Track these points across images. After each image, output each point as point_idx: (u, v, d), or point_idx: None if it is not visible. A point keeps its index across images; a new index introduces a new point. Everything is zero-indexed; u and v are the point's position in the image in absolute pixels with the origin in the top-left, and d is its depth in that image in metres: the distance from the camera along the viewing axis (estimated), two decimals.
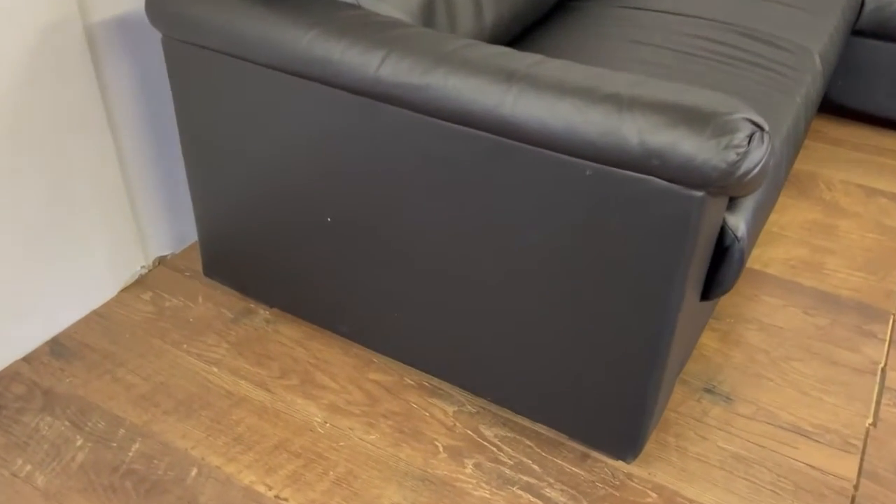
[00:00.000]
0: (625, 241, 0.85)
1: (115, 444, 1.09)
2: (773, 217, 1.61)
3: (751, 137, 0.75)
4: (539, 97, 0.81)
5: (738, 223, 0.93)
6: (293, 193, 1.10)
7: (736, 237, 0.93)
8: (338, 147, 1.00)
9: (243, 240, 1.22)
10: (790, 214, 1.61)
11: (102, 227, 1.28)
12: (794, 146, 1.16)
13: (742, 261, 0.95)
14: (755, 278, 1.44)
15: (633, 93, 0.79)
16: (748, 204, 0.96)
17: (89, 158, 1.22)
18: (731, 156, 0.74)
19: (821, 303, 1.38)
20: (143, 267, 1.39)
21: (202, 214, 1.24)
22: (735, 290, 1.41)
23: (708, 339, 1.30)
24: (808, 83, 1.24)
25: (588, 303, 0.92)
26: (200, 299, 1.34)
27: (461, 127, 0.88)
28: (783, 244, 1.53)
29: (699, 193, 0.78)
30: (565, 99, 0.80)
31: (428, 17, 1.09)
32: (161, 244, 1.41)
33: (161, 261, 1.42)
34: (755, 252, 1.50)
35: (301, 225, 1.12)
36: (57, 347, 1.24)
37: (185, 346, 1.25)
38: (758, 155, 0.76)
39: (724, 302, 1.38)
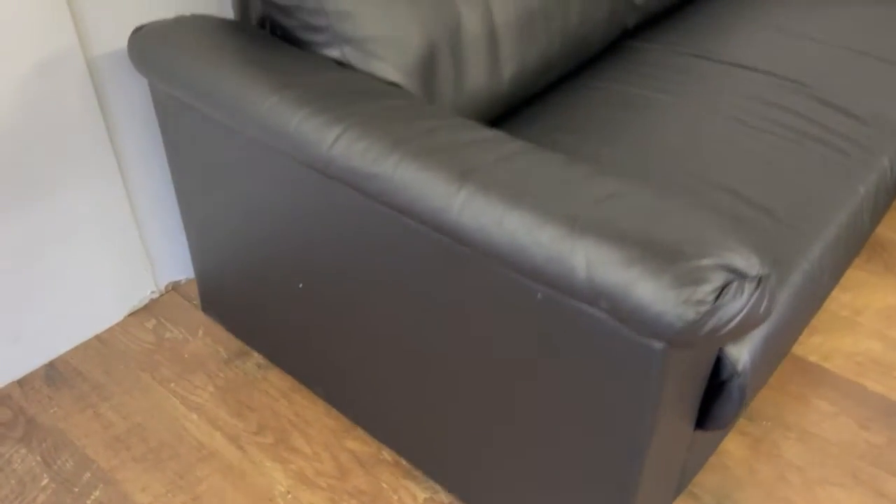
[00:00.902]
0: (580, 375, 0.73)
1: (76, 490, 1.08)
2: (845, 297, 1.40)
3: (723, 289, 0.61)
4: (487, 207, 0.70)
5: (741, 354, 0.79)
6: (269, 252, 1.03)
7: (736, 371, 0.79)
8: (301, 217, 0.93)
9: (233, 284, 1.17)
10: (868, 295, 1.40)
11: (110, 253, 1.27)
12: (850, 245, 0.98)
13: (743, 397, 0.80)
14: (809, 373, 1.25)
15: (592, 215, 0.67)
16: (757, 332, 0.80)
17: (95, 187, 1.20)
18: (690, 313, 0.60)
19: (883, 415, 1.19)
20: (153, 292, 1.37)
21: (196, 252, 1.20)
22: (779, 386, 1.23)
23: (734, 445, 1.14)
24: (883, 168, 1.04)
25: (553, 423, 0.80)
26: (200, 333, 1.31)
27: (412, 222, 0.78)
28: (853, 333, 1.32)
29: (659, 345, 0.65)
30: (515, 213, 0.68)
31: (428, 73, 0.99)
32: (174, 269, 1.39)
33: (174, 286, 1.40)
34: (815, 340, 1.31)
35: (278, 283, 1.06)
36: (52, 372, 1.25)
37: (172, 384, 1.23)
38: (734, 308, 0.62)
39: (763, 399, 1.21)
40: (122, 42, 1.13)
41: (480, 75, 1.05)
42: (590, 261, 0.64)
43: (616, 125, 1.09)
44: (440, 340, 0.86)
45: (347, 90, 0.86)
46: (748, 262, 0.64)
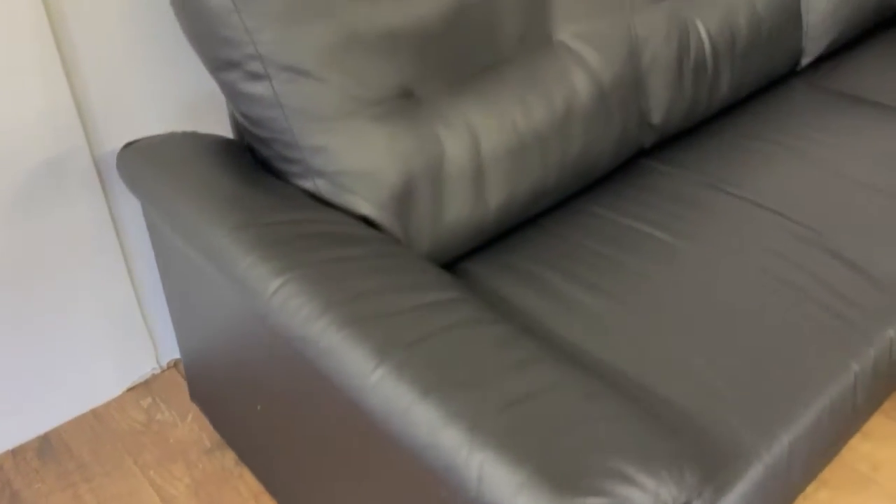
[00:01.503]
0: None
1: None
2: (865, 447, 1.29)
3: None
4: (397, 394, 0.68)
5: None
6: (233, 368, 1.04)
7: None
8: (255, 347, 0.93)
9: (210, 381, 1.19)
10: (892, 448, 1.29)
11: (111, 329, 1.30)
12: (833, 431, 0.90)
13: None
14: None
15: (496, 423, 0.63)
16: None
17: (99, 274, 1.24)
18: None
19: None
20: (153, 369, 1.40)
21: (182, 342, 1.23)
22: None
23: None
24: (886, 341, 0.96)
25: None
26: (189, 418, 1.33)
27: (337, 389, 0.77)
28: (866, 492, 1.22)
29: None
30: (421, 407, 0.66)
31: (404, 206, 0.97)
32: (176, 347, 1.42)
33: (176, 363, 1.43)
34: (821, 496, 1.21)
35: (242, 397, 1.06)
36: (44, 445, 1.29)
37: (151, 471, 1.25)
38: None
39: None
40: (128, 140, 1.17)
41: (463, 207, 1.03)
42: (481, 478, 0.61)
43: (607, 266, 1.05)
44: (359, 493, 0.84)
45: (305, 234, 0.86)
46: (664, 490, 0.59)
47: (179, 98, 1.19)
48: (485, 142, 1.03)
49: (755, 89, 1.47)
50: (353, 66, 0.92)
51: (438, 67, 1.00)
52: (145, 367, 1.39)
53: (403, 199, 0.98)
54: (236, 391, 1.09)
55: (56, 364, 1.26)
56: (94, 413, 1.34)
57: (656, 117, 1.26)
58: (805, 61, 1.59)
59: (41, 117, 1.07)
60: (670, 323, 0.95)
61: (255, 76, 0.90)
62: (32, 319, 1.20)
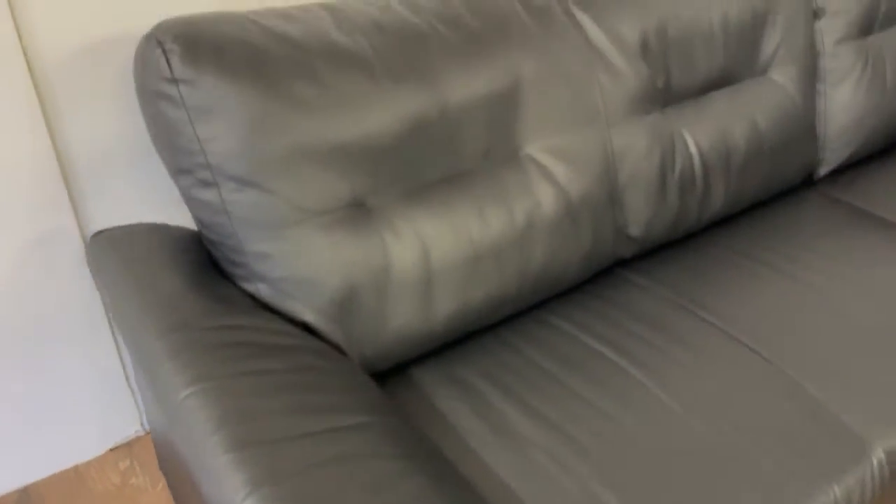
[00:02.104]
0: None
1: None
2: None
3: None
4: None
5: None
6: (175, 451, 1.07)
7: None
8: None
9: (169, 456, 1.22)
10: None
11: (98, 396, 1.37)
12: None
13: None
14: None
15: None
16: None
17: (88, 343, 1.31)
18: None
19: None
20: (136, 431, 1.46)
21: (147, 413, 1.27)
22: None
23: None
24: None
25: None
26: (160, 486, 1.37)
27: None
28: None
29: None
30: None
31: (346, 313, 0.99)
32: None
33: None
34: None
35: (187, 482, 1.09)
36: (23, 498, 1.35)
37: None
38: None
39: None
40: (117, 222, 1.24)
41: (409, 315, 1.04)
42: None
43: (553, 389, 1.03)
44: None
45: (232, 342, 0.88)
46: None
47: (163, 185, 1.26)
48: (435, 252, 1.04)
49: (757, 201, 1.43)
50: (302, 179, 0.95)
51: (392, 179, 1.02)
52: (129, 429, 1.45)
53: (345, 306, 1.00)
54: (181, 471, 1.12)
55: (43, 422, 1.33)
56: (76, 470, 1.40)
57: (635, 231, 1.24)
58: (823, 171, 1.54)
59: (33, 198, 1.15)
60: (610, 464, 0.93)
61: (206, 184, 0.94)
62: (23, 379, 1.28)
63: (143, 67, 0.93)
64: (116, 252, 1.02)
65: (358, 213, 1.00)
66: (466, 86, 1.05)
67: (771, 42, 1.36)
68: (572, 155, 1.14)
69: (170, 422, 0.83)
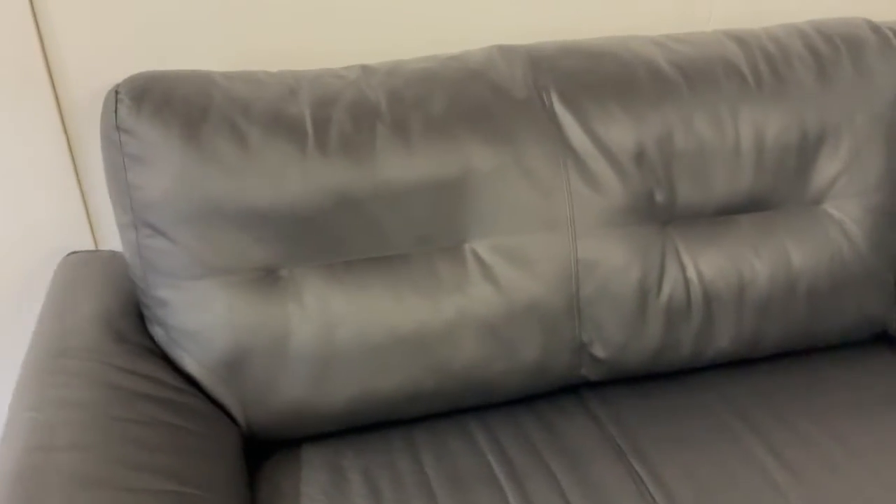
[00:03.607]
0: None
1: None
2: None
3: None
4: None
5: None
6: None
7: None
8: None
9: None
10: None
11: None
12: None
13: None
14: None
15: None
16: None
17: None
18: None
19: None
20: None
21: None
22: None
23: None
24: None
25: None
26: None
27: None
28: None
29: None
30: None
31: (235, 374, 1.00)
32: None
33: None
34: None
35: None
36: None
37: None
38: None
39: None
40: None
41: (304, 391, 1.02)
42: None
43: None
44: None
45: (101, 380, 0.92)
46: None
47: None
48: (341, 332, 1.01)
49: (793, 350, 1.21)
50: (212, 236, 0.98)
51: (311, 251, 1.02)
52: None
53: (235, 368, 1.00)
54: None
55: None
56: None
57: (601, 352, 1.11)
58: None
59: (52, 220, 1.27)
60: None
61: (129, 225, 1.00)
62: None
63: (103, 113, 1.02)
64: (66, 273, 1.11)
65: (266, 278, 1.01)
66: (405, 168, 1.02)
67: (828, 169, 1.16)
68: (524, 258, 1.06)
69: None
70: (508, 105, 1.06)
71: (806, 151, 1.15)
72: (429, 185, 1.03)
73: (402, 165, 1.02)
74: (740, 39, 1.18)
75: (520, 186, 1.05)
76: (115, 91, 1.00)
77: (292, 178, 0.99)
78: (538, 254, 1.06)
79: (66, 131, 1.22)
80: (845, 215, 1.17)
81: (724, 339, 1.15)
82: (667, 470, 1.00)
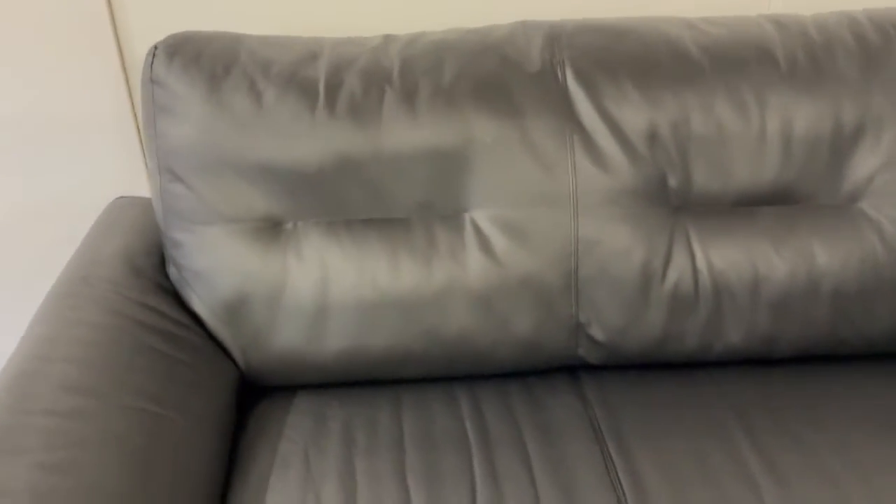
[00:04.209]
0: None
1: None
2: None
3: None
4: None
5: None
6: None
7: None
8: None
9: None
10: None
11: None
12: None
13: None
14: None
15: None
16: None
17: None
18: None
19: None
20: None
21: None
22: None
23: None
24: None
25: None
26: None
27: None
28: None
29: None
30: None
31: (234, 317, 1.07)
32: None
33: None
34: None
35: None
36: None
37: None
38: None
39: None
40: None
41: (296, 339, 1.07)
42: None
43: (388, 473, 0.96)
44: None
45: (110, 307, 1.01)
46: None
47: None
48: (335, 287, 1.05)
49: (816, 353, 1.15)
50: (222, 186, 1.05)
51: (313, 208, 1.06)
52: None
53: (235, 310, 1.07)
54: None
55: None
56: None
57: (599, 334, 1.10)
58: None
59: (114, 172, 1.39)
60: None
61: (156, 171, 1.09)
62: None
63: (143, 67, 1.11)
64: (109, 215, 1.22)
65: (270, 230, 1.06)
66: (409, 135, 1.04)
67: (866, 165, 1.09)
68: (522, 232, 1.06)
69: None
70: (519, 78, 1.07)
71: (841, 144, 1.08)
72: (431, 153, 1.05)
73: (405, 132, 1.05)
74: (781, 25, 1.12)
75: (522, 159, 1.05)
76: (154, 47, 1.09)
77: (300, 137, 1.04)
78: (537, 228, 1.06)
79: (127, 84, 1.33)
80: (883, 216, 1.09)
81: (734, 335, 1.11)
82: (642, 457, 0.98)
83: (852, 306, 1.10)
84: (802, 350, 1.14)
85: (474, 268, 1.06)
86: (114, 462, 0.81)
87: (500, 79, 1.07)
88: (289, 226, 1.07)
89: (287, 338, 1.07)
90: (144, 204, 1.24)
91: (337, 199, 1.07)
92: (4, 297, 1.49)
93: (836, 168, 1.09)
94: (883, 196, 1.09)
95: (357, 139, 1.04)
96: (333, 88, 1.06)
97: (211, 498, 0.91)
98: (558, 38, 1.10)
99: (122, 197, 1.28)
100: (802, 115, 1.07)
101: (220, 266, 1.06)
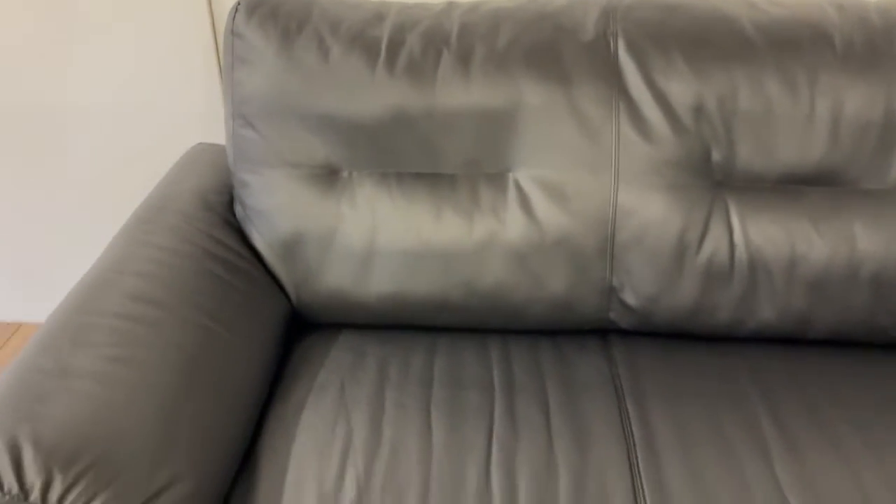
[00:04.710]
0: None
1: None
2: None
3: None
4: None
5: None
6: None
7: None
8: None
9: None
10: None
11: None
12: None
13: None
14: None
15: None
16: None
17: None
18: None
19: None
20: None
21: None
22: None
23: None
24: None
25: None
26: None
27: None
28: None
29: None
30: None
31: (290, 255, 1.16)
32: None
33: None
34: None
35: None
36: None
37: None
38: None
39: None
40: None
41: (345, 280, 1.15)
42: None
43: (411, 407, 1.03)
44: None
45: (179, 235, 1.11)
46: None
47: None
48: (382, 235, 1.13)
49: (854, 340, 1.15)
50: (287, 133, 1.14)
51: (368, 159, 1.14)
52: None
53: (291, 248, 1.16)
54: None
55: None
56: None
57: (632, 299, 1.14)
58: None
59: (199, 120, 1.52)
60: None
61: (230, 116, 1.19)
62: None
63: (227, 20, 1.21)
64: (188, 158, 1.33)
65: (328, 177, 1.15)
66: (460, 96, 1.10)
67: None
68: (562, 194, 1.11)
69: None
70: (571, 46, 1.11)
71: (891, 130, 1.07)
72: (481, 113, 1.11)
73: (458, 92, 1.11)
74: (842, 8, 1.12)
75: (568, 124, 1.10)
76: (238, 3, 1.19)
77: (360, 92, 1.12)
78: (577, 192, 1.11)
79: (215, 37, 1.45)
80: None
81: (768, 312, 1.12)
82: (658, 417, 1.01)
83: (892, 293, 1.10)
84: (838, 333, 1.14)
85: (513, 225, 1.11)
86: (168, 362, 0.91)
87: (553, 45, 1.11)
88: (345, 174, 1.15)
89: (336, 278, 1.16)
90: (220, 150, 1.35)
91: (390, 153, 1.14)
92: (108, 232, 1.64)
93: (884, 154, 1.09)
94: None
95: (413, 96, 1.11)
96: (395, 48, 1.13)
97: (251, 407, 1.00)
98: (614, 11, 1.14)
99: (201, 143, 1.40)
100: (854, 99, 1.07)
101: (280, 207, 1.15)
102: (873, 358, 1.13)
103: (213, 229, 1.16)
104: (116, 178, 1.62)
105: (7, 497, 0.73)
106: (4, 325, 1.90)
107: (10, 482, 0.74)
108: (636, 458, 0.95)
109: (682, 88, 1.09)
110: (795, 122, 1.08)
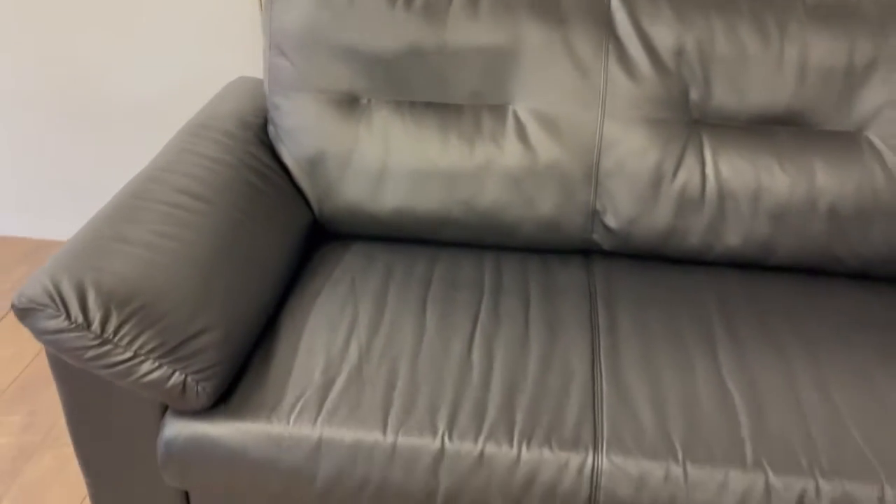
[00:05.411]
0: None
1: None
2: None
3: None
4: None
5: None
6: None
7: None
8: None
9: None
10: None
11: None
12: None
13: None
14: None
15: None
16: None
17: None
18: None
19: None
20: None
21: None
22: None
23: None
24: None
25: None
26: None
27: None
28: None
29: None
30: None
31: (314, 170, 1.32)
32: None
33: None
34: None
35: None
36: None
37: None
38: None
39: None
40: None
41: (361, 194, 1.31)
42: None
43: (406, 311, 1.19)
44: None
45: (219, 149, 1.28)
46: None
47: None
48: (394, 155, 1.29)
49: (812, 267, 1.28)
50: (317, 62, 1.30)
51: (385, 88, 1.30)
52: None
53: (315, 164, 1.32)
54: None
55: None
56: None
57: (612, 221, 1.28)
58: None
59: (241, 58, 1.69)
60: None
61: (267, 46, 1.35)
62: None
63: None
64: (230, 87, 1.50)
65: (349, 102, 1.30)
66: (468, 33, 1.25)
67: (873, 98, 1.20)
68: (555, 125, 1.25)
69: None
70: None
71: (853, 77, 1.20)
72: (487, 50, 1.25)
73: (467, 29, 1.25)
74: None
75: (563, 62, 1.24)
76: None
77: (380, 28, 1.27)
78: (568, 123, 1.25)
79: None
80: (888, 147, 1.21)
81: (734, 238, 1.26)
82: (623, 315, 1.16)
83: (848, 225, 1.23)
84: (798, 261, 1.27)
85: (510, 151, 1.26)
86: (207, 240, 1.08)
87: None
88: (364, 101, 1.30)
89: (353, 193, 1.32)
90: (258, 82, 1.52)
91: (405, 83, 1.29)
92: None
93: (847, 98, 1.21)
94: (889, 129, 1.20)
95: (426, 33, 1.26)
96: None
97: (275, 286, 1.17)
98: None
99: (242, 76, 1.57)
100: (819, 47, 1.20)
101: (306, 125, 1.31)
102: (832, 289, 1.26)
103: (249, 145, 1.32)
104: (175, 108, 1.81)
105: (74, 325, 0.91)
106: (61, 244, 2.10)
107: (77, 314, 0.92)
108: (598, 344, 1.10)
109: (665, 33, 1.22)
110: (766, 66, 1.21)
